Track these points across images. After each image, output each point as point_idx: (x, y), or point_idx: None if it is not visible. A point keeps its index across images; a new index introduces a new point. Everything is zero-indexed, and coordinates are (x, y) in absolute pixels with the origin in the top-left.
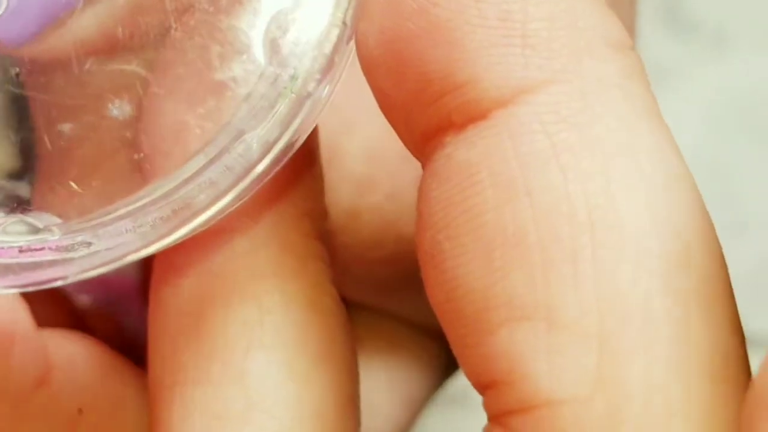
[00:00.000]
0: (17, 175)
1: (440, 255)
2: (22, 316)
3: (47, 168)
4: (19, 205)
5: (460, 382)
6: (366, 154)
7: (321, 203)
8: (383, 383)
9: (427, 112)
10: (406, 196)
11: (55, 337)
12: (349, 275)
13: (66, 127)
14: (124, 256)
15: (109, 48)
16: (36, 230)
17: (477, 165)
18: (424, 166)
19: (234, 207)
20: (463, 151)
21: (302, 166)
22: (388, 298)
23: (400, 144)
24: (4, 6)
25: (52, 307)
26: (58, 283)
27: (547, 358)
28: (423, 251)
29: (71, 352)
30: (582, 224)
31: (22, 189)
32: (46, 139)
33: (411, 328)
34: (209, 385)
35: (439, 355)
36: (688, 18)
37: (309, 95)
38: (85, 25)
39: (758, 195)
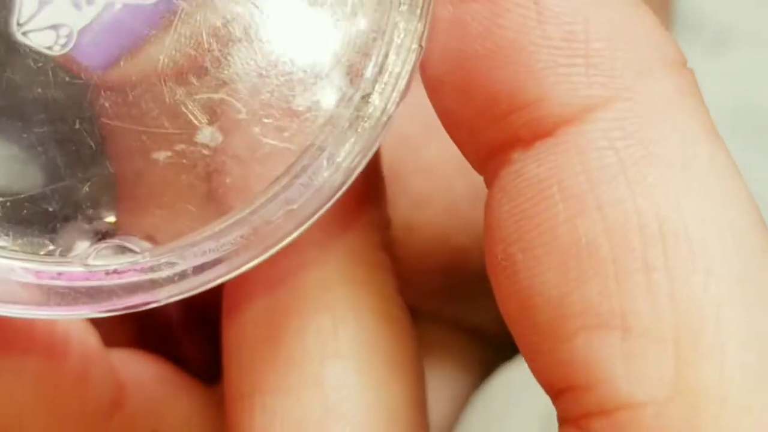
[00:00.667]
0: (107, 202)
1: (513, 267)
2: (94, 340)
3: (135, 193)
4: (108, 231)
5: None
6: (423, 169)
7: (385, 214)
8: (429, 383)
9: (493, 129)
10: (461, 210)
11: (122, 357)
12: (402, 284)
13: (155, 155)
14: (215, 279)
15: (195, 75)
16: (124, 252)
17: (547, 180)
18: (489, 182)
19: (311, 223)
20: (532, 167)
21: (367, 180)
22: (439, 304)
23: (455, 159)
24: (74, 39)
25: (113, 326)
26: (152, 305)
27: (624, 363)
28: (494, 263)
29: (140, 372)
30: (653, 236)
31: (111, 215)
32: (134, 166)
33: (454, 329)
34: (288, 393)
35: (480, 355)
36: (690, 19)
37: (389, 118)
38: (164, 54)
39: (759, 195)
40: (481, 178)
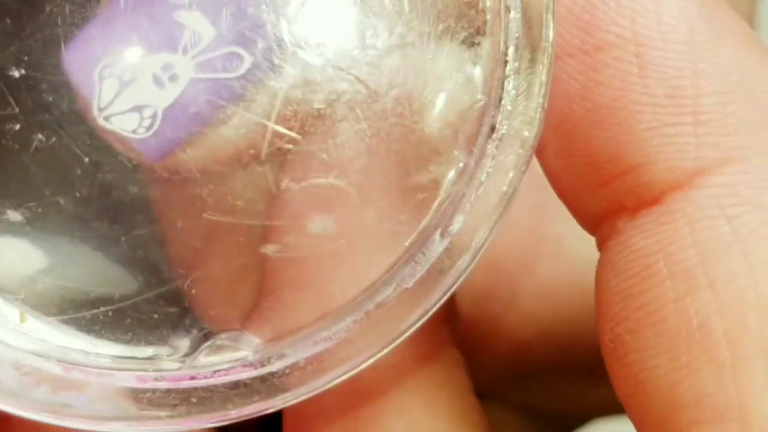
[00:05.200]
0: (210, 300)
1: (622, 348)
2: None
3: (241, 289)
4: (213, 329)
5: None
6: (485, 264)
7: (456, 309)
8: None
9: (596, 195)
10: (524, 305)
11: None
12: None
13: (263, 249)
14: (337, 377)
15: (300, 160)
16: (230, 350)
17: (654, 254)
18: (599, 248)
19: (433, 312)
20: (638, 238)
21: None
22: (501, 389)
23: (518, 253)
24: (158, 120)
25: None
26: (269, 411)
27: None
28: (605, 343)
29: None
30: None
31: (216, 312)
32: (241, 261)
33: (514, 410)
34: None
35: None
36: None
37: (515, 191)
38: (265, 139)
39: None
40: (547, 274)
